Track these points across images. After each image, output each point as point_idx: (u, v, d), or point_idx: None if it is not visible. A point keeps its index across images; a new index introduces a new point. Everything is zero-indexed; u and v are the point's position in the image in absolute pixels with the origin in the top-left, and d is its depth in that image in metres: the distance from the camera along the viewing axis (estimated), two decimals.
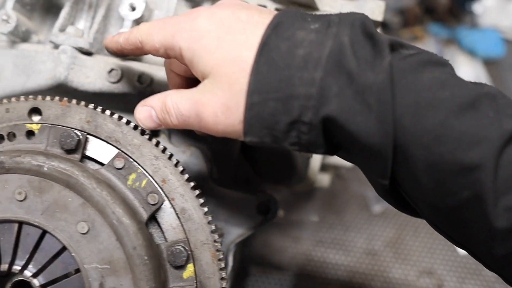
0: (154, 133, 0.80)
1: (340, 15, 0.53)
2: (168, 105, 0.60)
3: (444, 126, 0.47)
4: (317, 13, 0.81)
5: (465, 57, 1.97)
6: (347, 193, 1.58)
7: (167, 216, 0.64)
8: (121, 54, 0.68)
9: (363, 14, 0.53)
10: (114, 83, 0.76)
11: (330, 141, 0.52)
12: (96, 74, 0.76)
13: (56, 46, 0.77)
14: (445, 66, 0.52)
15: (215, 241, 0.64)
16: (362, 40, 0.50)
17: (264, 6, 0.80)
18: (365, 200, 1.58)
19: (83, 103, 0.67)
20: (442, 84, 0.48)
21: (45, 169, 0.60)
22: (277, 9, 0.80)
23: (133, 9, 0.77)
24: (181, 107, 0.58)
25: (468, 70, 1.92)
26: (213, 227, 0.64)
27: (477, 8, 2.05)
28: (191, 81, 0.64)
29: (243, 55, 0.52)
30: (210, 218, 0.64)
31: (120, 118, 0.66)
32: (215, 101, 0.54)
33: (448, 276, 1.44)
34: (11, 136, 0.67)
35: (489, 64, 1.97)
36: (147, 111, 0.63)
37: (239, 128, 0.54)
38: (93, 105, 0.67)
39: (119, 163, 0.64)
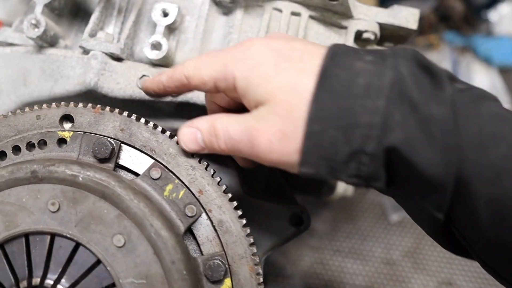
0: None
1: (392, 49, 0.53)
2: (217, 128, 0.57)
3: (507, 160, 0.46)
4: (352, 20, 0.80)
5: (481, 65, 1.95)
6: (364, 202, 1.56)
7: (203, 228, 0.62)
8: (163, 94, 0.65)
9: (413, 49, 0.53)
10: None
11: (388, 174, 0.50)
12: (126, 80, 0.75)
13: (86, 52, 0.76)
14: (497, 101, 0.52)
15: (253, 254, 0.62)
16: (420, 72, 0.50)
17: (299, 13, 0.78)
18: (382, 209, 1.56)
19: (116, 110, 0.65)
20: (500, 118, 0.48)
21: (80, 179, 0.58)
22: (311, 16, 0.78)
23: (166, 14, 0.75)
24: (232, 131, 0.56)
25: (484, 78, 1.91)
26: (251, 240, 0.62)
27: (492, 16, 2.04)
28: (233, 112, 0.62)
29: (303, 82, 0.51)
30: (248, 230, 0.62)
31: (155, 126, 0.64)
32: (271, 128, 0.52)
33: (468, 287, 1.42)
34: (42, 143, 0.65)
35: (505, 72, 1.96)
36: (193, 133, 0.60)
37: (294, 158, 0.51)
38: (127, 112, 0.65)
39: (155, 173, 0.62)
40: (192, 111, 0.77)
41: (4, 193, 0.59)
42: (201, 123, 0.60)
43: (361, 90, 0.49)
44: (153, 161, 0.63)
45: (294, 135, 0.50)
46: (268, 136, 0.52)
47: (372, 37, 0.81)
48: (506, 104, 2.07)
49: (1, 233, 0.58)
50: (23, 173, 0.59)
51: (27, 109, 0.65)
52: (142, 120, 0.64)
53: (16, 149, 0.65)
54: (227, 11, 0.80)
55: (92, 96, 0.76)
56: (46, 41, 0.78)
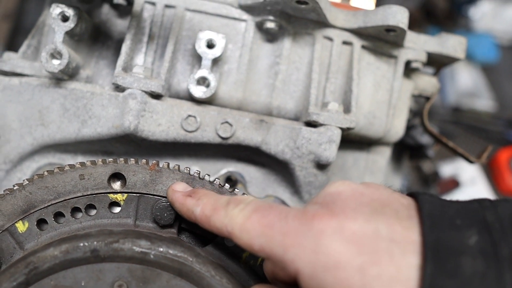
0: (232, 185, 0.72)
1: (488, 206, 0.43)
2: None
3: None
4: (402, 50, 0.76)
5: (463, 62, 1.99)
6: None
7: None
8: (192, 222, 0.53)
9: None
10: (191, 132, 0.66)
11: None
12: (169, 121, 0.66)
13: (119, 88, 0.66)
14: None
15: None
16: None
17: (350, 43, 0.72)
18: None
19: (176, 166, 0.57)
20: None
21: (152, 256, 0.51)
22: (363, 47, 0.73)
23: (211, 46, 0.67)
24: None
25: (466, 75, 1.95)
26: None
27: (474, 13, 2.08)
28: None
29: None
30: None
31: (221, 184, 0.57)
32: None
33: None
34: (89, 208, 0.56)
35: (487, 69, 2.01)
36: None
37: None
38: (188, 168, 0.57)
39: (230, 240, 0.55)
40: (241, 151, 0.71)
41: (58, 275, 0.50)
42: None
43: None
44: None
45: None
46: None
47: (420, 66, 0.78)
48: (488, 101, 2.15)
49: None
50: (81, 253, 0.50)
51: (67, 167, 0.56)
52: (207, 177, 0.57)
53: (58, 215, 0.55)
54: (272, 38, 0.72)
55: (128, 140, 0.67)
56: (68, 73, 0.67)
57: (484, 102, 2.00)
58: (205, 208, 0.50)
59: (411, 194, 0.47)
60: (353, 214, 0.43)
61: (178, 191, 0.54)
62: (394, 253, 0.41)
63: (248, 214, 0.47)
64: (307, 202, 0.52)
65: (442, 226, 0.42)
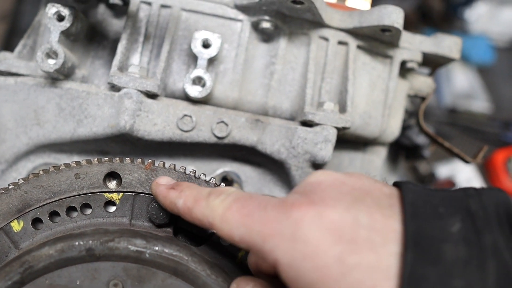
0: (228, 184, 0.72)
1: (473, 195, 0.42)
2: None
3: None
4: (397, 50, 0.76)
5: (459, 64, 2.00)
6: None
7: None
8: (175, 214, 0.53)
9: (500, 191, 0.43)
10: (186, 131, 0.66)
11: None
12: (165, 121, 0.66)
13: (114, 87, 0.66)
14: None
15: None
16: None
17: (346, 43, 0.73)
18: None
19: (171, 166, 0.57)
20: None
21: (147, 255, 0.51)
22: (358, 47, 0.73)
23: (207, 46, 0.67)
24: None
25: (462, 77, 1.96)
26: None
27: (469, 15, 2.09)
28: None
29: (381, 285, 0.38)
30: None
31: (217, 184, 0.57)
32: None
33: None
34: (84, 207, 0.56)
35: (482, 71, 2.02)
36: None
37: None
38: (183, 167, 0.57)
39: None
40: (237, 151, 0.71)
41: (53, 274, 0.50)
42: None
43: None
44: None
45: None
46: None
47: (415, 66, 0.78)
48: (483, 102, 2.15)
49: None
50: (76, 252, 0.50)
51: (62, 166, 0.56)
52: (203, 176, 0.57)
53: (54, 214, 0.55)
54: (267, 38, 0.72)
55: (123, 139, 0.67)
56: (63, 73, 0.67)
57: (480, 104, 2.01)
58: (187, 199, 0.50)
59: (395, 184, 0.47)
60: (332, 202, 0.43)
61: (162, 184, 0.54)
62: (374, 241, 0.40)
63: (228, 205, 0.46)
64: (289, 193, 0.52)
65: (425, 214, 0.41)
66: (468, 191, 0.43)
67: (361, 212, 0.42)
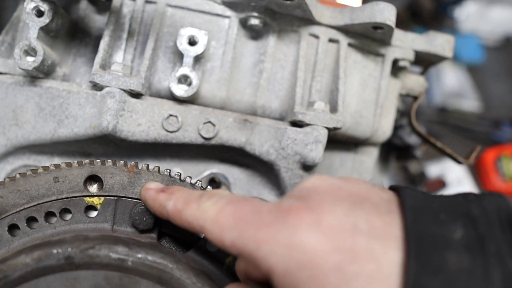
0: (215, 187, 0.69)
1: (473, 200, 0.41)
2: None
3: None
4: (389, 48, 0.74)
5: (449, 63, 2.00)
6: None
7: None
8: (165, 219, 0.51)
9: (501, 197, 0.41)
10: (172, 132, 0.64)
11: None
12: (149, 121, 0.64)
13: (97, 86, 0.63)
14: None
15: None
16: None
17: (337, 40, 0.71)
18: None
19: (155, 168, 0.55)
20: None
21: (129, 263, 0.48)
22: (350, 44, 0.71)
23: (193, 43, 0.64)
24: None
25: (452, 76, 1.96)
26: None
27: (459, 13, 2.08)
28: None
29: None
30: None
31: (204, 187, 0.55)
32: None
33: None
34: (64, 212, 0.53)
35: (472, 69, 2.02)
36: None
37: None
38: (168, 170, 0.55)
39: (212, 244, 0.53)
40: (225, 152, 0.68)
41: (30, 284, 0.48)
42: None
43: None
44: None
45: None
46: None
47: (407, 65, 0.76)
48: (473, 101, 2.16)
49: None
50: (54, 260, 0.47)
51: (40, 169, 0.53)
52: (188, 179, 0.55)
53: (31, 220, 0.53)
54: (256, 35, 0.70)
55: (107, 140, 0.64)
56: (43, 71, 0.64)
57: (470, 103, 2.01)
58: (178, 201, 0.47)
59: (392, 188, 0.45)
60: (330, 208, 0.40)
61: (151, 188, 0.51)
62: (374, 249, 0.38)
63: (221, 207, 0.44)
64: (283, 197, 0.50)
65: (425, 220, 0.39)
66: (469, 197, 0.42)
67: (360, 218, 0.40)
